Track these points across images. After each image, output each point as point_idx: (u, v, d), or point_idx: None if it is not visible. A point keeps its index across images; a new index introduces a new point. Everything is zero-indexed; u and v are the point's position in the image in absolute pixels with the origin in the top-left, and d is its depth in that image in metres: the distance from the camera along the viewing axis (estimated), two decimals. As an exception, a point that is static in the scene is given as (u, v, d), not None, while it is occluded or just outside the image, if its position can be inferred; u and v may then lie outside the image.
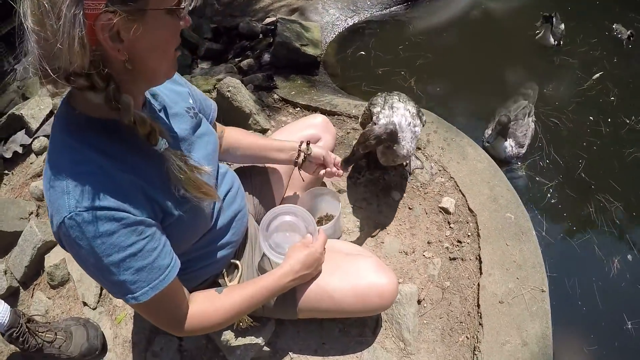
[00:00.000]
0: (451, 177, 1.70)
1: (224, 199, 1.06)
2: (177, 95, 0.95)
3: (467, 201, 1.60)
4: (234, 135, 1.28)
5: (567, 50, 2.73)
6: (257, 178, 1.39)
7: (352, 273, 1.14)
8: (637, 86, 2.41)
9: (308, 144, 1.29)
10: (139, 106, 0.78)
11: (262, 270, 1.18)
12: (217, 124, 1.22)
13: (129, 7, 0.60)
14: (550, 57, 2.73)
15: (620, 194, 1.89)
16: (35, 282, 1.71)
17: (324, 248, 1.14)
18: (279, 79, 2.54)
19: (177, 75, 0.97)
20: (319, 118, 1.52)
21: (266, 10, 3.52)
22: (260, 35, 3.12)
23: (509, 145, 1.99)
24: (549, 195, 1.94)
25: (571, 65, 2.64)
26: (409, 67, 2.72)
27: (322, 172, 1.33)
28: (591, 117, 2.24)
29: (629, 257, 1.71)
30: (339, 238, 1.55)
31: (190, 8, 0.69)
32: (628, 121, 2.19)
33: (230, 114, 2.12)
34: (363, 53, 2.94)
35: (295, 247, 1.10)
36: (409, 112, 1.48)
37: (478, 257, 1.44)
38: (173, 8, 0.66)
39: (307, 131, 1.44)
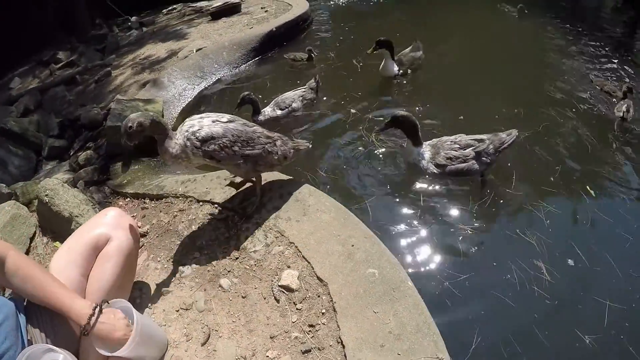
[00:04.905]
0: (291, 242, 1.40)
1: None
2: None
3: (313, 269, 1.32)
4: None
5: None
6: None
7: None
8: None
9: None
10: None
11: None
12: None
13: None
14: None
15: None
16: None
17: None
18: (117, 167, 2.21)
19: None
20: (110, 213, 1.28)
21: (118, 91, 3.34)
22: (104, 123, 2.83)
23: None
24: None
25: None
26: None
27: None
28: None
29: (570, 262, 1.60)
30: (163, 355, 1.21)
31: None
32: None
33: (52, 221, 1.81)
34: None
35: None
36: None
37: (339, 340, 1.12)
38: None
39: (96, 231, 1.22)
